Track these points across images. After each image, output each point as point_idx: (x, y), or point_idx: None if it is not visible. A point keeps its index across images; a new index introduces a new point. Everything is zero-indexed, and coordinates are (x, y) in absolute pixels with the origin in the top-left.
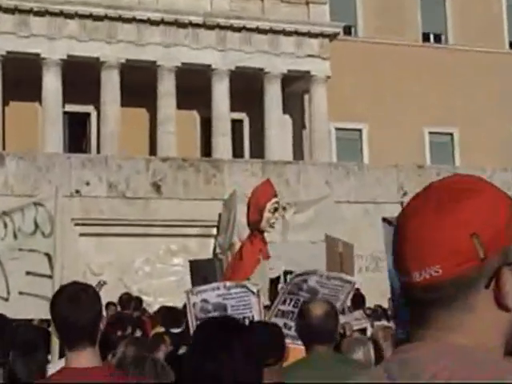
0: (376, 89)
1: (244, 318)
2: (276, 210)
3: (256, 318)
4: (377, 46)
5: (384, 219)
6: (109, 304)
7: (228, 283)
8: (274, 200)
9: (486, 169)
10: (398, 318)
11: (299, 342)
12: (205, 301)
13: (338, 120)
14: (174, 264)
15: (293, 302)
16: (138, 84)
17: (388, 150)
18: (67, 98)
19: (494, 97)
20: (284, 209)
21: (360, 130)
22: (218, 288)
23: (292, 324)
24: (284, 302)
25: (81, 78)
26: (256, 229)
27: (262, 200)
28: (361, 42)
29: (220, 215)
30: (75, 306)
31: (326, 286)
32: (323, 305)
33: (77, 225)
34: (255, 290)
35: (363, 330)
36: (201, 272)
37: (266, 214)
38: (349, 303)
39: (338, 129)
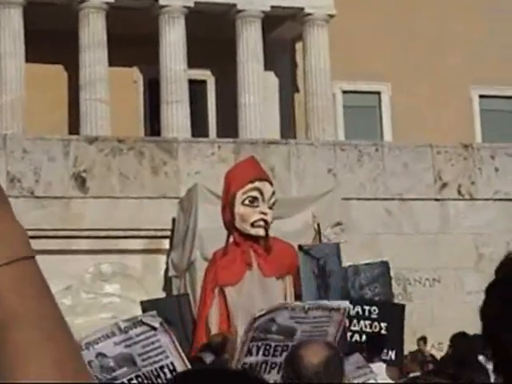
0: (401, 33)
1: (161, 367)
2: (254, 200)
3: (178, 365)
4: None
5: (300, 247)
6: None
7: (121, 323)
8: (248, 186)
9: None
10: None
11: None
12: (102, 355)
13: (347, 79)
14: (108, 293)
15: (262, 350)
16: (51, 29)
17: (420, 123)
18: None
19: None
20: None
21: (378, 94)
22: (113, 333)
23: (272, 378)
24: (250, 353)
25: None
26: (237, 231)
27: (231, 188)
28: None
29: (174, 221)
30: None
31: (304, 320)
32: (321, 348)
33: None
34: (157, 324)
35: None
36: (160, 316)
37: (238, 209)
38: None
39: (346, 92)
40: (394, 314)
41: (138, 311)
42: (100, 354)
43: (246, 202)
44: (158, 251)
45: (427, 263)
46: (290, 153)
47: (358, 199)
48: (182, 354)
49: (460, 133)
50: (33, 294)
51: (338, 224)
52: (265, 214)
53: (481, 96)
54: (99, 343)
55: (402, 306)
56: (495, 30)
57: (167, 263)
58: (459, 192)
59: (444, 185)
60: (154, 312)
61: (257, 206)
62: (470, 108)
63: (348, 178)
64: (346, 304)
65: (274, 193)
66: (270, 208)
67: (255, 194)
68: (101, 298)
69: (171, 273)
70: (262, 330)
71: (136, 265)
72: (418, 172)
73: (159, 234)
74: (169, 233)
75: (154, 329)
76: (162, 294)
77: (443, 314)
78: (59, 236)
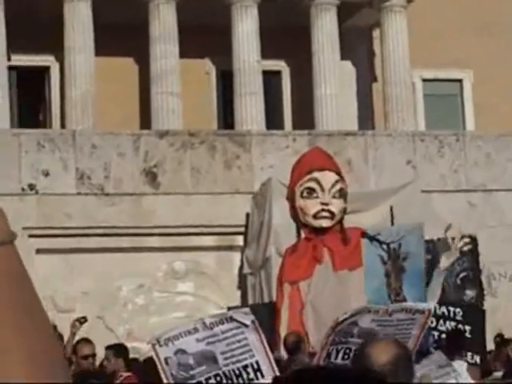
0: (483, 17)
1: (245, 367)
2: (311, 191)
3: (263, 365)
4: None
5: (364, 234)
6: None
7: (207, 319)
8: (305, 178)
9: None
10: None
11: None
12: (182, 351)
13: (426, 67)
14: (181, 292)
15: (341, 354)
16: (120, 21)
17: (503, 111)
18: (14, 45)
19: None
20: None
21: (460, 81)
22: (196, 329)
23: None
24: (328, 357)
25: (33, 15)
26: (303, 226)
27: (291, 182)
28: None
29: (248, 216)
30: None
31: (387, 323)
32: (390, 346)
33: (32, 236)
34: (248, 322)
35: None
36: None
37: (298, 202)
38: (432, 342)
39: (426, 80)
40: (476, 317)
41: (212, 310)
42: (180, 351)
43: (304, 194)
44: (231, 248)
45: None
46: (367, 144)
47: (439, 191)
48: (270, 354)
49: None
50: (5, 282)
51: (467, 236)
52: (326, 204)
53: None
54: (180, 339)
55: (483, 311)
56: None
57: (242, 260)
58: None
59: None
60: (247, 309)
61: (316, 197)
62: None
63: (428, 169)
64: (430, 306)
65: (337, 181)
66: (336, 197)
67: (312, 184)
68: (174, 296)
69: (246, 270)
70: (343, 333)
71: (209, 262)
72: (501, 162)
73: (233, 230)
74: (243, 229)
75: (246, 326)
76: (237, 292)
77: None
78: (130, 234)
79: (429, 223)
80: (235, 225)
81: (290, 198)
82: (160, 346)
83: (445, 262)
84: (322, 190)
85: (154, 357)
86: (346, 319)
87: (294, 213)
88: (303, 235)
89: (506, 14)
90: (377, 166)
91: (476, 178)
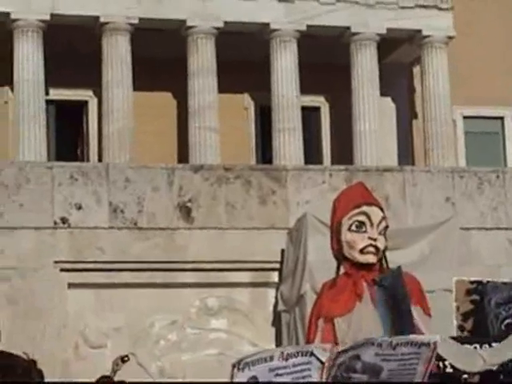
0: None
1: None
2: (361, 225)
3: None
4: None
5: (375, 282)
6: None
7: (288, 349)
8: (354, 211)
9: None
10: None
11: None
12: (254, 379)
13: (467, 104)
14: (215, 328)
15: None
16: (160, 56)
17: None
18: (52, 79)
19: None
20: None
21: (502, 119)
22: (272, 358)
23: None
24: None
25: (72, 49)
26: (347, 261)
27: (337, 215)
28: None
29: (283, 252)
30: None
31: (391, 358)
32: None
33: (64, 270)
34: (324, 359)
35: None
36: None
37: (345, 236)
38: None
39: (466, 117)
40: None
41: (246, 347)
42: (253, 378)
43: (353, 227)
44: (266, 284)
45: None
46: (405, 180)
47: (479, 229)
48: None
49: None
50: None
51: None
52: (374, 239)
53: None
54: (256, 365)
55: None
56: None
57: (276, 297)
58: None
59: None
60: (328, 345)
61: (365, 232)
62: None
63: (467, 206)
64: (435, 338)
65: (384, 218)
66: (382, 234)
67: (362, 218)
68: (207, 333)
69: (280, 307)
70: (345, 368)
71: (243, 299)
72: None
73: (268, 266)
74: (278, 265)
75: (322, 363)
76: (271, 330)
77: None
78: (163, 269)
79: (468, 261)
80: (270, 261)
81: (335, 231)
82: (239, 369)
83: None
84: (371, 224)
85: (230, 379)
86: (345, 350)
87: (338, 246)
88: (343, 270)
89: None
90: (415, 203)
91: None
